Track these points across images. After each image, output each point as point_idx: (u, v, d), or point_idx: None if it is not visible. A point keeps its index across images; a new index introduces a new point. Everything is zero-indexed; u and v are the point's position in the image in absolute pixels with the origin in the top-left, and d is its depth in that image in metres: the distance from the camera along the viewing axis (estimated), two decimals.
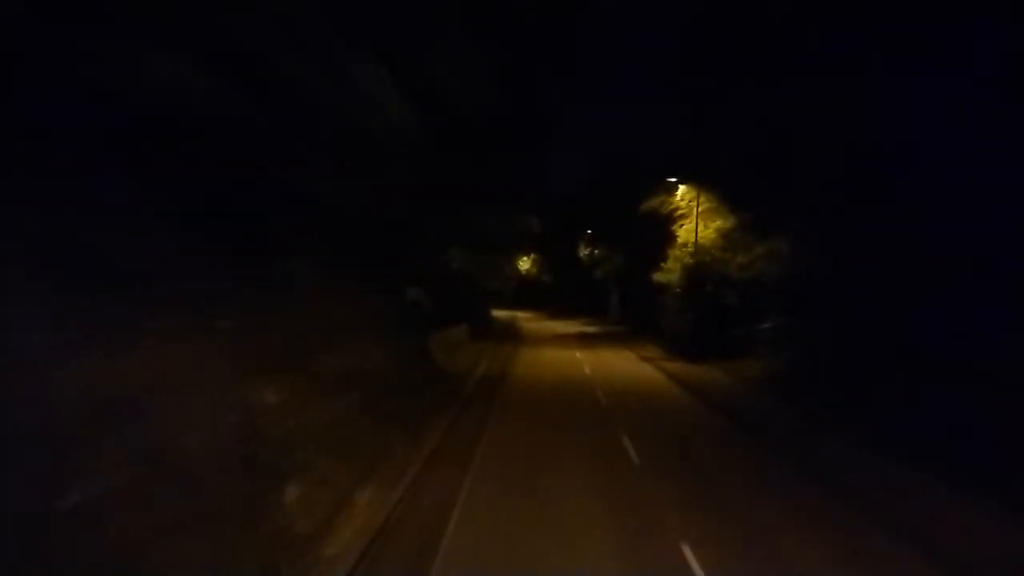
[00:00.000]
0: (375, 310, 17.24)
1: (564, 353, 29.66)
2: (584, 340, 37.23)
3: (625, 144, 34.17)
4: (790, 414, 16.03)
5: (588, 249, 52.71)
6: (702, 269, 26.08)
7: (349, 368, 11.07)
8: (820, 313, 21.35)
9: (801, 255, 22.84)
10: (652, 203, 29.12)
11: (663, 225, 28.61)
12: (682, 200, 27.89)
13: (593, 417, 15.13)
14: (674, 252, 27.67)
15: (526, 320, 53.62)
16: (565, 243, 54.84)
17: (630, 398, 17.95)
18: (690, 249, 26.68)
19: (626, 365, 25.79)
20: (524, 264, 63.08)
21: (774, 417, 15.80)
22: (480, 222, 27.72)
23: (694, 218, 26.85)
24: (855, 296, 19.57)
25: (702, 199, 26.37)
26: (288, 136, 10.43)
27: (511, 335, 38.56)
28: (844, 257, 20.56)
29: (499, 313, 50.04)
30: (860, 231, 18.93)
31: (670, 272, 27.38)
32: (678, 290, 26.79)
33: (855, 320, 19.39)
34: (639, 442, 12.34)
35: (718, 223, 26.50)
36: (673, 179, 27.60)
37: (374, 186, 16.01)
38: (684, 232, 27.52)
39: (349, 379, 10.58)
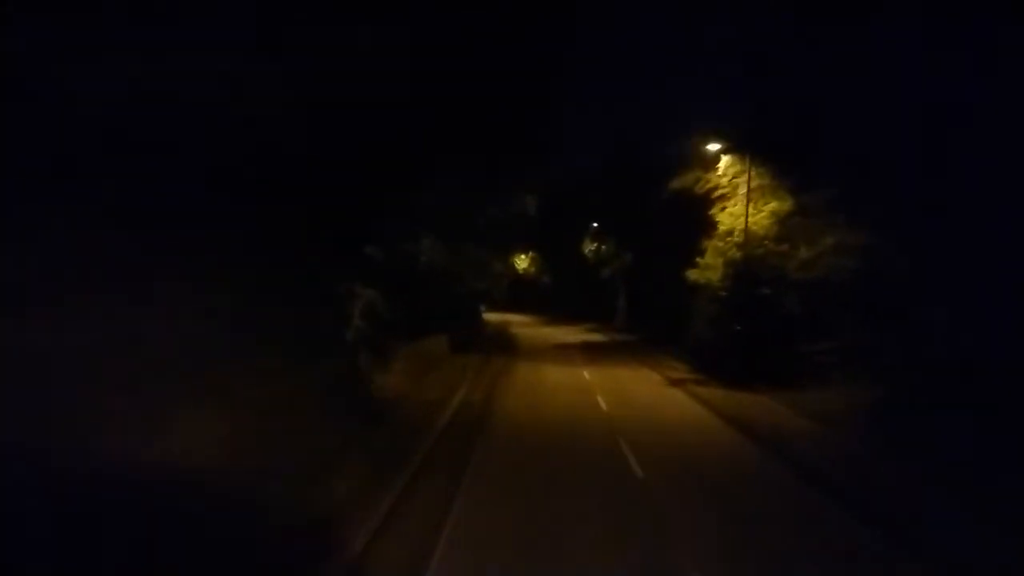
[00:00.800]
0: (280, 321, 10.83)
1: (568, 373, 23.22)
2: (591, 352, 30.75)
3: (645, 116, 28.00)
4: (953, 500, 9.59)
5: (594, 245, 46.31)
6: (752, 264, 19.74)
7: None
8: (927, 327, 16.01)
9: (892, 248, 17.23)
10: (685, 180, 22.67)
11: (698, 208, 22.23)
12: (724, 176, 21.53)
13: (624, 507, 8.75)
14: (713, 243, 21.26)
15: (521, 325, 47.09)
16: (566, 238, 48.34)
17: (679, 461, 11.55)
18: (736, 239, 20.31)
19: (652, 392, 19.40)
20: (522, 263, 56.79)
21: (926, 498, 9.43)
22: (462, 202, 21.32)
23: (740, 200, 20.53)
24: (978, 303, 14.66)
25: (753, 174, 20.03)
26: None
27: (503, 346, 32.14)
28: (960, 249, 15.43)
29: (490, 317, 43.76)
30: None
31: (709, 269, 20.98)
32: (722, 292, 20.35)
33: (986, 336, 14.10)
34: None
35: (772, 205, 20.21)
36: (714, 147, 21.20)
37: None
38: (727, 217, 21.15)
39: None
